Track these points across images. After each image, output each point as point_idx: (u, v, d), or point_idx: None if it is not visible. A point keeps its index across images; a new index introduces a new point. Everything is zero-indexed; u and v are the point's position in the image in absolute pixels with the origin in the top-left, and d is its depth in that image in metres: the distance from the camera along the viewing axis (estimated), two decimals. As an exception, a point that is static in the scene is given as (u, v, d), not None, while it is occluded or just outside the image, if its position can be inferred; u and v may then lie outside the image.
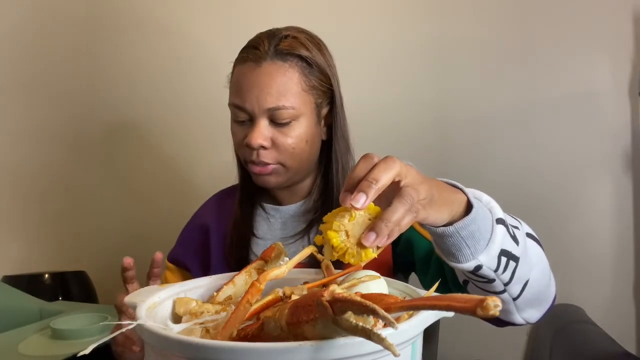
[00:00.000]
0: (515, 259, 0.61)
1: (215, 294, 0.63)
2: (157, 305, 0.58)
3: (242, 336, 0.49)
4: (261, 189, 0.97)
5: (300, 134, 0.88)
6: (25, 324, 1.13)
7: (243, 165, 0.95)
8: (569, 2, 1.43)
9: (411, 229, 0.75)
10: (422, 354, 0.52)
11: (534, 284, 0.66)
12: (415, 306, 0.42)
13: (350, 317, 0.39)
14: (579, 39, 1.43)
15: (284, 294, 0.52)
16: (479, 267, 0.59)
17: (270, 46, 0.87)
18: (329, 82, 0.91)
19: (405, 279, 0.95)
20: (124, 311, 0.81)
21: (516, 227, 0.64)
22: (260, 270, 0.65)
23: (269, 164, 0.89)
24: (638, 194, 1.43)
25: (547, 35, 1.45)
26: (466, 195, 0.59)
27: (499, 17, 1.47)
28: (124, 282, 0.81)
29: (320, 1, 1.54)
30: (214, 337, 0.51)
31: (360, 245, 0.51)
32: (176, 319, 0.59)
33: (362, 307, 0.37)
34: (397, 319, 0.47)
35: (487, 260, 0.59)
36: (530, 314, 0.70)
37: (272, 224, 0.98)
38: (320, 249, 0.57)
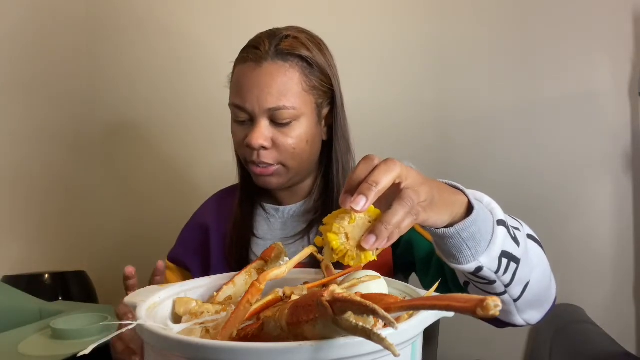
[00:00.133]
0: (516, 261, 0.61)
1: (215, 294, 0.63)
2: (157, 305, 0.58)
3: (242, 336, 0.49)
4: (261, 189, 0.97)
5: (300, 134, 0.88)
6: (25, 324, 1.13)
7: (243, 165, 0.95)
8: (569, 2, 1.43)
9: (412, 229, 0.75)
10: (422, 354, 0.52)
11: (534, 285, 0.66)
12: (415, 306, 0.42)
13: (350, 317, 0.39)
14: (579, 39, 1.43)
15: (284, 294, 0.52)
16: (479, 269, 0.59)
17: (271, 46, 0.87)
18: (330, 82, 0.91)
19: (405, 279, 0.95)
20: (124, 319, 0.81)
21: (517, 229, 0.64)
22: (260, 271, 0.65)
23: (270, 164, 0.89)
24: (638, 194, 1.43)
25: (547, 35, 1.45)
26: (467, 196, 0.59)
27: (499, 17, 1.47)
28: (125, 290, 0.81)
29: (320, 1, 1.54)
30: (214, 337, 0.51)
31: (360, 247, 0.51)
32: (176, 319, 0.59)
33: (362, 307, 0.37)
34: (397, 319, 0.47)
35: (488, 261, 0.59)
36: (531, 315, 0.70)
37: (272, 224, 0.98)
38: (320, 249, 0.57)
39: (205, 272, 0.98)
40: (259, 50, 0.87)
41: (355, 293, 0.41)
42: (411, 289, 0.60)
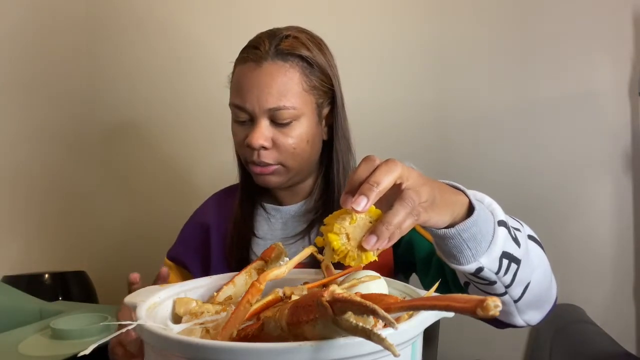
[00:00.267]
0: (517, 261, 0.61)
1: (215, 294, 0.63)
2: (157, 306, 0.58)
3: (242, 336, 0.49)
4: (262, 189, 0.97)
5: (301, 134, 0.88)
6: (25, 324, 1.13)
7: (244, 165, 0.95)
8: (569, 2, 1.43)
9: (412, 230, 0.75)
10: (422, 354, 0.52)
11: (535, 286, 0.66)
12: (415, 306, 0.42)
13: (350, 317, 0.39)
14: (579, 39, 1.43)
15: (284, 294, 0.52)
16: (480, 269, 0.59)
17: (271, 46, 0.87)
18: (330, 82, 0.91)
19: (406, 279, 0.95)
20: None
21: (518, 229, 0.64)
22: (261, 271, 0.65)
23: (270, 164, 0.89)
24: (638, 194, 1.43)
25: (547, 35, 1.45)
26: (468, 197, 0.59)
27: (499, 17, 1.47)
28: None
29: (320, 1, 1.54)
30: (214, 338, 0.51)
31: (360, 248, 0.51)
32: (176, 319, 0.59)
33: (362, 307, 0.37)
34: (397, 319, 0.47)
35: (488, 262, 0.59)
36: (531, 316, 0.70)
37: (272, 224, 0.98)
38: (322, 249, 0.57)
39: (205, 271, 0.98)
40: (259, 50, 0.87)
41: (355, 293, 0.41)
42: (411, 289, 0.60)
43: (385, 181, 0.51)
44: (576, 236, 1.45)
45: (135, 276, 0.80)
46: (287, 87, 0.86)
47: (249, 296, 0.51)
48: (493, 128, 1.48)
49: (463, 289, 0.69)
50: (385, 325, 0.43)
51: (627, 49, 1.42)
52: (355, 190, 0.51)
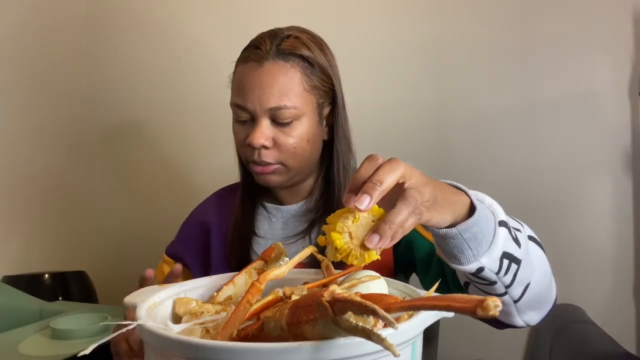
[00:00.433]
0: (517, 262, 0.61)
1: (215, 294, 0.63)
2: (157, 306, 0.58)
3: (242, 336, 0.49)
4: (263, 188, 0.97)
5: (301, 134, 0.88)
6: (25, 324, 1.13)
7: (245, 165, 0.96)
8: (569, 2, 1.43)
9: (412, 229, 0.75)
10: (422, 354, 0.52)
11: (535, 286, 0.66)
12: (415, 306, 0.42)
13: (350, 317, 0.39)
14: (579, 39, 1.43)
15: (284, 294, 0.53)
16: (480, 270, 0.59)
17: (272, 46, 0.87)
18: (331, 82, 0.91)
19: (405, 279, 0.95)
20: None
21: (518, 230, 0.64)
22: (261, 271, 0.65)
23: (270, 163, 0.89)
24: (638, 194, 1.43)
25: (547, 35, 1.45)
26: (469, 197, 0.59)
27: (499, 17, 1.47)
28: None
29: (320, 1, 1.54)
30: (214, 337, 0.51)
31: (363, 247, 0.51)
32: (176, 319, 0.59)
33: (362, 307, 0.37)
34: (397, 319, 0.47)
35: (489, 262, 0.59)
36: (530, 316, 0.70)
37: (273, 224, 0.98)
38: (322, 249, 0.57)
39: (205, 270, 0.98)
40: (261, 50, 0.87)
41: (355, 293, 0.41)
42: (411, 289, 0.60)
43: (388, 180, 0.51)
44: (576, 236, 1.45)
45: (150, 272, 0.80)
46: (288, 87, 0.86)
47: (249, 296, 0.51)
48: (493, 128, 1.48)
49: (463, 289, 0.69)
50: (385, 325, 0.43)
51: (627, 49, 1.42)
52: (358, 189, 0.51)
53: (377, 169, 0.52)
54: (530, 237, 0.68)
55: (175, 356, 0.46)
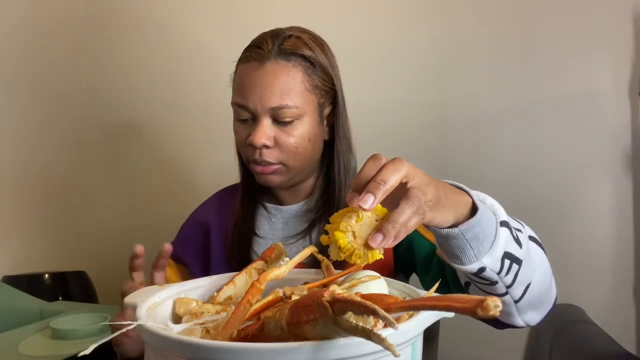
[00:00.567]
0: (518, 262, 0.61)
1: (215, 294, 0.63)
2: (157, 306, 0.58)
3: (242, 336, 0.49)
4: (263, 188, 0.98)
5: (302, 133, 0.88)
6: (25, 324, 1.13)
7: (245, 165, 0.96)
8: (569, 2, 1.43)
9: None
10: (422, 354, 0.52)
11: (535, 286, 0.66)
12: (415, 306, 0.42)
13: (351, 317, 0.39)
14: (579, 39, 1.43)
15: (284, 294, 0.52)
16: (482, 269, 0.60)
17: (274, 46, 0.87)
18: (332, 82, 0.92)
19: (406, 279, 0.95)
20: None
21: (519, 230, 0.64)
22: (261, 271, 0.65)
23: (271, 163, 0.89)
24: (638, 194, 1.43)
25: (547, 35, 1.45)
26: (471, 197, 0.59)
27: (499, 17, 1.47)
28: (130, 270, 0.80)
29: (320, 1, 1.54)
30: (214, 338, 0.51)
31: (367, 246, 0.51)
32: (176, 319, 0.59)
33: (362, 307, 0.37)
34: (397, 319, 0.47)
35: (490, 262, 0.59)
36: (531, 316, 0.70)
37: (273, 224, 0.98)
38: (324, 248, 0.57)
39: (205, 270, 0.98)
40: (262, 49, 0.87)
41: (355, 293, 0.41)
42: (411, 289, 0.60)
43: (392, 179, 0.51)
44: (576, 236, 1.45)
45: (140, 248, 0.78)
46: (289, 87, 0.86)
47: (249, 296, 0.51)
48: (493, 128, 1.48)
49: (463, 289, 0.69)
50: (385, 325, 0.43)
51: (627, 49, 1.42)
52: (362, 188, 0.52)
53: (380, 169, 0.52)
54: (531, 238, 0.68)
55: (175, 356, 0.45)
